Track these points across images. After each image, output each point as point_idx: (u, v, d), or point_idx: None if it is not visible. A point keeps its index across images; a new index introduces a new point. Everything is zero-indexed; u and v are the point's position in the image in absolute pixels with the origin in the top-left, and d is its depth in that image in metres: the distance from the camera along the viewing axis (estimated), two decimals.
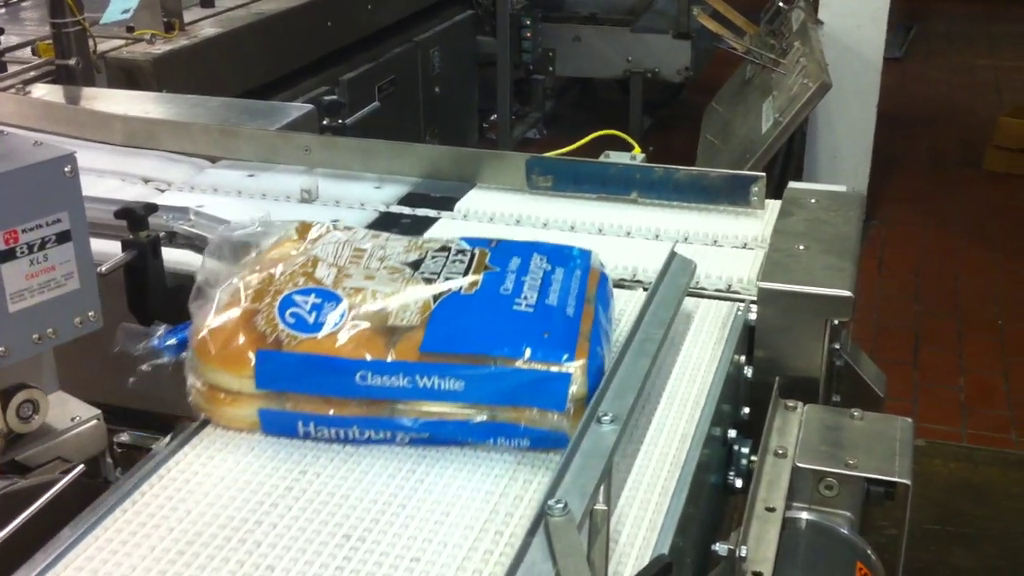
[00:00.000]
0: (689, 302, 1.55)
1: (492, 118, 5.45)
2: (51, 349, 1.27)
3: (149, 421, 1.55)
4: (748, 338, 1.55)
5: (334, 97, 2.20)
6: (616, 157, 1.94)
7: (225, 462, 1.22)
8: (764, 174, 1.79)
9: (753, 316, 1.54)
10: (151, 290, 1.62)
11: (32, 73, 2.73)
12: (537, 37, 5.56)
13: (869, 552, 1.37)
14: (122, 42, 3.04)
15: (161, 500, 1.16)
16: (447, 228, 1.82)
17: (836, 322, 1.54)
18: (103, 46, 2.99)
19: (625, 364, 1.23)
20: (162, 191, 2.02)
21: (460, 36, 5.11)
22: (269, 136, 2.09)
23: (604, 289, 1.37)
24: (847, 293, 1.51)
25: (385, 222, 1.86)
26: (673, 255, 1.53)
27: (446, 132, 4.88)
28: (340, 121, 2.14)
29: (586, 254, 1.40)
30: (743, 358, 1.51)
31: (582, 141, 2.03)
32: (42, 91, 2.62)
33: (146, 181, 2.05)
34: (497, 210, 1.87)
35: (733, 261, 1.68)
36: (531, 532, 0.98)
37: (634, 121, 5.78)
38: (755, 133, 3.87)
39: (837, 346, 1.60)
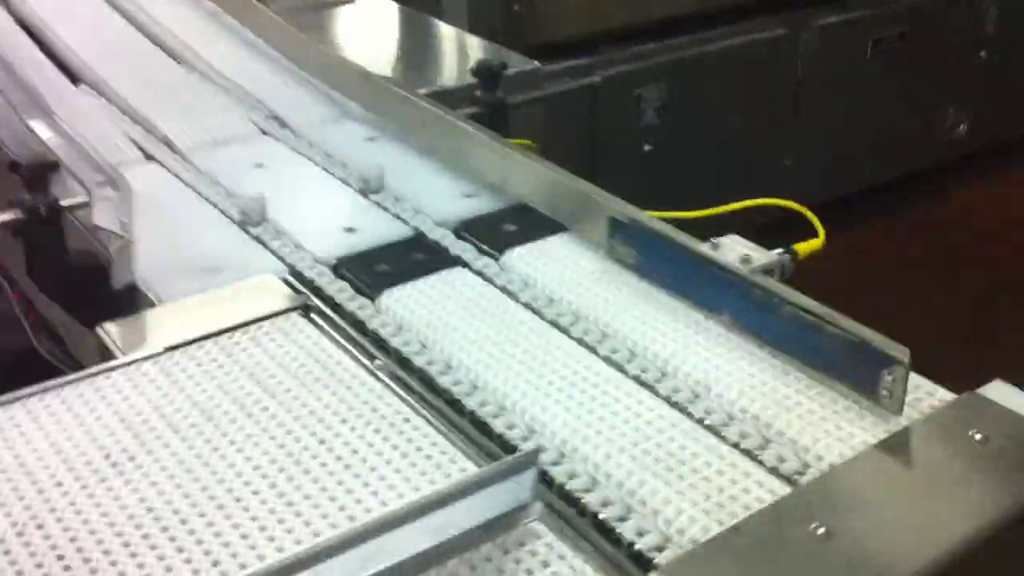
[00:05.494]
0: None
1: None
2: None
3: None
4: None
5: (490, 63, 1.64)
6: (727, 249, 1.20)
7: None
8: (904, 359, 0.96)
9: None
10: (43, 261, 1.33)
11: None
12: None
13: None
14: None
15: None
16: (460, 280, 1.26)
17: None
18: None
19: None
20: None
21: None
22: (393, 97, 1.63)
23: None
24: None
25: (409, 246, 1.35)
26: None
27: (987, 109, 3.83)
28: (497, 93, 1.60)
29: None
30: None
31: (736, 205, 1.29)
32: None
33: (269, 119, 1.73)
34: (540, 277, 1.26)
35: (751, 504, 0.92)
36: None
37: None
38: None
39: None
